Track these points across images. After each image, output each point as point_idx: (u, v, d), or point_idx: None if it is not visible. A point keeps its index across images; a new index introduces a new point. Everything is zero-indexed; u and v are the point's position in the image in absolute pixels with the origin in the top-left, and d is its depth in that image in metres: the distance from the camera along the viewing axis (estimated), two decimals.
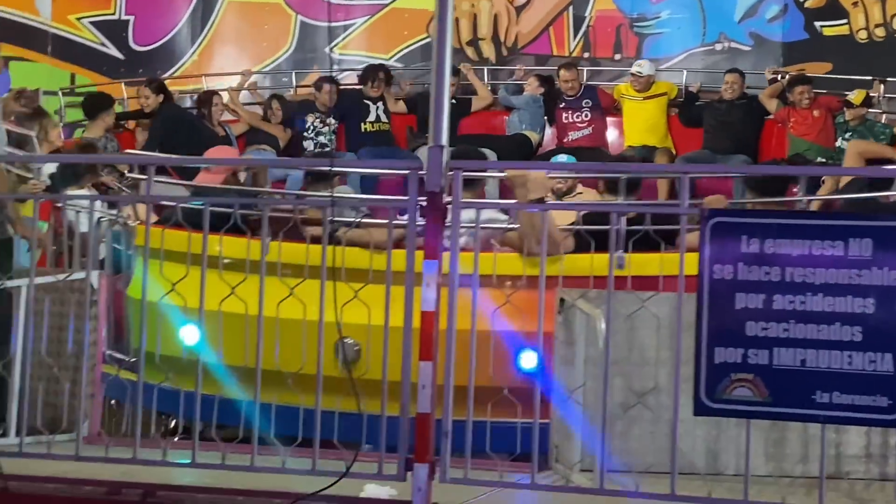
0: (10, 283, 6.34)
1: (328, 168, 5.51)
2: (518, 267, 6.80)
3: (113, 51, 14.84)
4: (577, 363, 6.48)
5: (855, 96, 11.88)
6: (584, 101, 13.10)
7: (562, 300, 6.63)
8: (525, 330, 6.09)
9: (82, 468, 5.58)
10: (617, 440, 5.49)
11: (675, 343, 6.51)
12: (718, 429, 6.75)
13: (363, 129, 12.97)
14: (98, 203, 8.44)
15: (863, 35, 13.73)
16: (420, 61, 14.37)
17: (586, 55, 14.52)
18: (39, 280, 6.24)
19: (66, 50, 14.71)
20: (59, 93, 13.43)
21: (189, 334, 7.10)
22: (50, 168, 8.94)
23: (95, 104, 12.01)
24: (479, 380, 5.39)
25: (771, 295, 4.81)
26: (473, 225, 5.63)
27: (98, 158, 10.07)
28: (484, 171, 9.26)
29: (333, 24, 14.74)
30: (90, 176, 9.15)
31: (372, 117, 13.01)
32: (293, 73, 14.42)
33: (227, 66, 14.60)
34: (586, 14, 14.54)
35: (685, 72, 13.53)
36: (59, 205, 8.20)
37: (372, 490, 5.41)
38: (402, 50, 14.79)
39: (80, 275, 6.69)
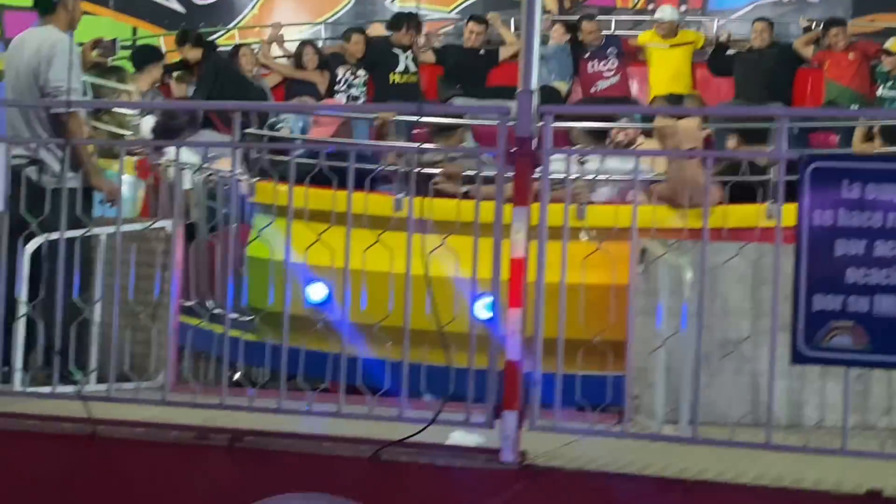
0: (90, 231, 6.34)
1: (417, 115, 5.42)
2: (608, 218, 6.71)
3: (174, 4, 14.82)
4: (660, 314, 6.40)
5: (892, 43, 11.66)
6: (609, 48, 12.94)
7: (643, 251, 6.55)
8: (614, 283, 6.02)
9: (168, 414, 5.60)
10: (700, 393, 5.40)
11: (757, 294, 6.51)
12: (802, 381, 6.68)
13: (391, 81, 12.62)
14: (192, 157, 8.27)
15: None
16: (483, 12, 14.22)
17: (651, 6, 14.34)
18: (123, 229, 6.22)
19: (128, 3, 14.70)
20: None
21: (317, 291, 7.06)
22: (148, 125, 8.92)
23: (144, 57, 11.90)
24: (568, 332, 5.33)
25: (872, 241, 4.71)
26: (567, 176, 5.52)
27: (177, 105, 9.96)
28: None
29: None
30: (190, 131, 9.01)
31: (401, 67, 12.67)
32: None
33: (287, 19, 14.52)
34: None
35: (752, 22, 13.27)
36: (158, 162, 8.17)
37: (459, 437, 5.39)
38: (461, 4, 14.67)
39: (161, 224, 6.68)
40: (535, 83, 5.15)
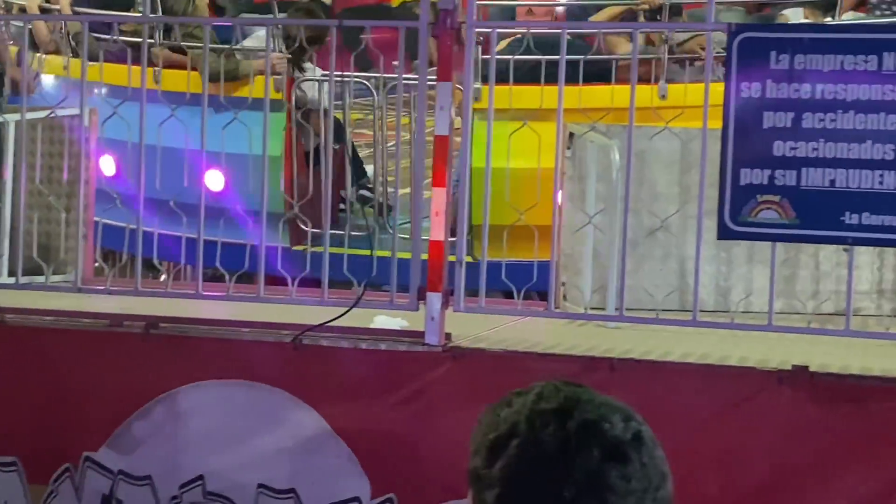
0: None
1: None
2: (535, 100, 6.57)
3: None
4: (588, 199, 6.30)
5: None
6: None
7: (571, 134, 6.42)
8: (541, 166, 5.90)
9: (82, 303, 5.43)
10: (628, 278, 5.33)
11: (685, 179, 6.42)
12: (728, 265, 6.64)
13: None
14: None
15: None
16: None
17: None
18: (30, 115, 5.99)
19: None
20: None
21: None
22: None
23: None
24: (493, 217, 5.21)
25: (800, 113, 4.62)
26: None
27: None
28: None
29: None
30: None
31: None
32: None
33: None
34: None
35: None
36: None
37: (382, 321, 5.28)
38: None
39: (73, 111, 6.43)
40: None
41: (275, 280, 5.51)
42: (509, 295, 5.65)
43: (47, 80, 8.87)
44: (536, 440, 1.53)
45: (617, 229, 5.49)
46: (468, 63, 5.04)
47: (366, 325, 5.19)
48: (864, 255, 6.40)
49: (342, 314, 5.01)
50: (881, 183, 4.56)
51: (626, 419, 1.57)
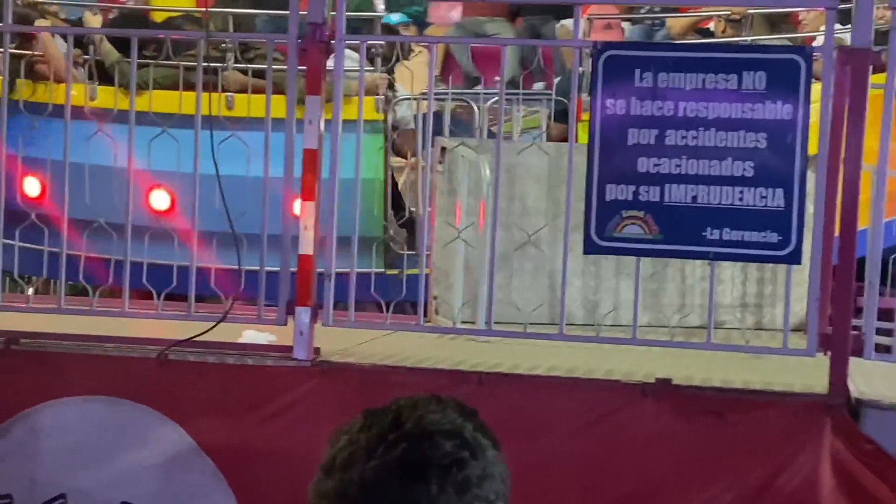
0: None
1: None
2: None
3: None
4: (460, 213, 6.33)
5: None
6: None
7: (442, 148, 6.45)
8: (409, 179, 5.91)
9: None
10: (498, 292, 5.37)
11: (555, 193, 6.48)
12: (597, 279, 6.72)
13: None
14: None
15: None
16: None
17: None
18: None
19: None
20: None
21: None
22: None
23: None
24: (361, 229, 5.20)
25: (663, 130, 4.69)
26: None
27: None
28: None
29: None
30: None
31: None
32: None
33: None
34: None
35: None
36: None
37: (250, 336, 5.23)
38: None
39: None
40: None
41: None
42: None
43: None
44: (362, 467, 1.53)
45: (487, 243, 5.51)
46: (338, 76, 5.02)
47: (234, 339, 5.13)
48: (728, 269, 6.53)
49: (209, 329, 4.95)
50: (741, 199, 4.66)
51: (458, 444, 1.56)
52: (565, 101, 6.75)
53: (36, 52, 7.47)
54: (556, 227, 6.10)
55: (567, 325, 5.18)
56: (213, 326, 4.97)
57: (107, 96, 7.23)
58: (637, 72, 4.71)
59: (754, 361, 5.34)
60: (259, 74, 6.75)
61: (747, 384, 4.84)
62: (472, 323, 5.93)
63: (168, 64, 6.55)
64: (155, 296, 5.25)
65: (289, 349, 4.94)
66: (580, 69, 5.50)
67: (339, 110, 5.08)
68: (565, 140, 5.53)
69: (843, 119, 4.74)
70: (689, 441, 4.67)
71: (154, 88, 6.34)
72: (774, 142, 4.63)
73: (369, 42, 6.89)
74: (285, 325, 5.01)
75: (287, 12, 5.12)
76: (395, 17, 8.85)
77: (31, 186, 7.19)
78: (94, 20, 8.27)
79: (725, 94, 4.64)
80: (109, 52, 7.56)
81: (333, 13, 5.01)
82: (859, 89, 4.67)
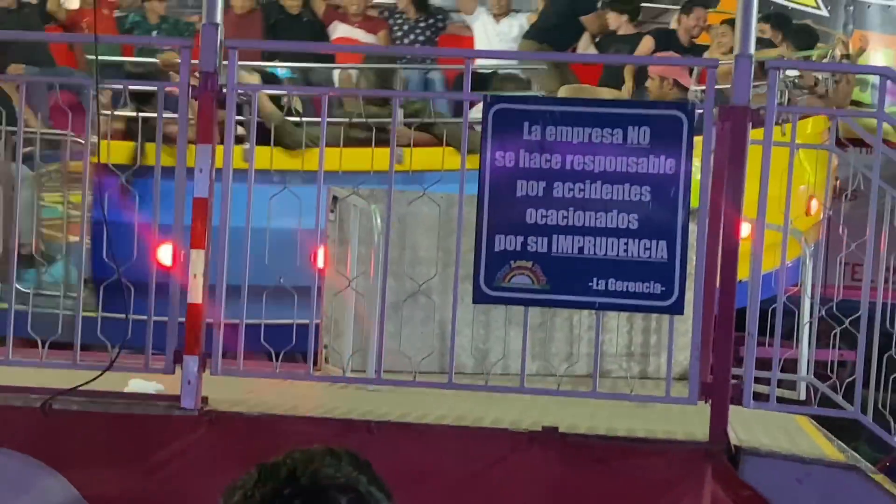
0: None
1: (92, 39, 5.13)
2: (296, 162, 6.60)
3: None
4: (351, 262, 6.35)
5: None
6: None
7: (334, 197, 6.48)
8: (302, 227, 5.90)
9: None
10: (389, 341, 5.39)
11: (446, 243, 6.54)
12: (487, 329, 6.79)
13: None
14: None
15: None
16: None
17: None
18: None
19: None
20: None
21: None
22: None
23: None
24: (252, 277, 5.18)
25: (551, 182, 4.78)
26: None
27: None
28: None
29: None
30: None
31: None
32: None
33: None
34: None
35: None
36: None
37: (137, 385, 5.17)
38: None
39: None
40: (218, 16, 4.96)
41: None
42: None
43: None
44: None
45: (378, 293, 5.54)
46: (230, 125, 5.04)
47: (120, 388, 5.08)
48: (614, 319, 6.64)
49: (94, 378, 4.89)
50: (626, 251, 4.77)
51: (352, 498, 1.59)
52: None
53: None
54: (447, 276, 6.14)
55: (456, 373, 5.23)
56: (99, 375, 4.91)
57: None
58: (526, 125, 4.80)
59: (639, 409, 5.44)
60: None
61: (631, 432, 4.93)
62: (363, 371, 5.94)
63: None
64: (39, 344, 5.17)
65: (176, 398, 4.90)
66: None
67: (230, 158, 5.08)
68: None
69: (724, 173, 4.88)
70: (575, 488, 4.73)
71: None
72: (658, 195, 4.74)
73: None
74: (173, 373, 4.97)
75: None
76: (281, 72, 8.89)
77: None
78: (251, 78, 7.83)
79: (611, 148, 4.75)
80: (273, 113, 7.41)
81: (225, 62, 5.03)
82: (738, 145, 4.82)
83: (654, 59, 8.00)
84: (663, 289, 4.76)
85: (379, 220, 6.01)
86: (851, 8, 12.86)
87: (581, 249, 4.79)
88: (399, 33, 9.81)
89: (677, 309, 4.81)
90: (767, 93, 4.90)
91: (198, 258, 4.92)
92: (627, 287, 4.78)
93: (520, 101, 4.94)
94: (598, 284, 4.78)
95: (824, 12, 12.99)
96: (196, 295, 4.91)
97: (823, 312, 5.67)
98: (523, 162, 4.80)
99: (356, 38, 9.48)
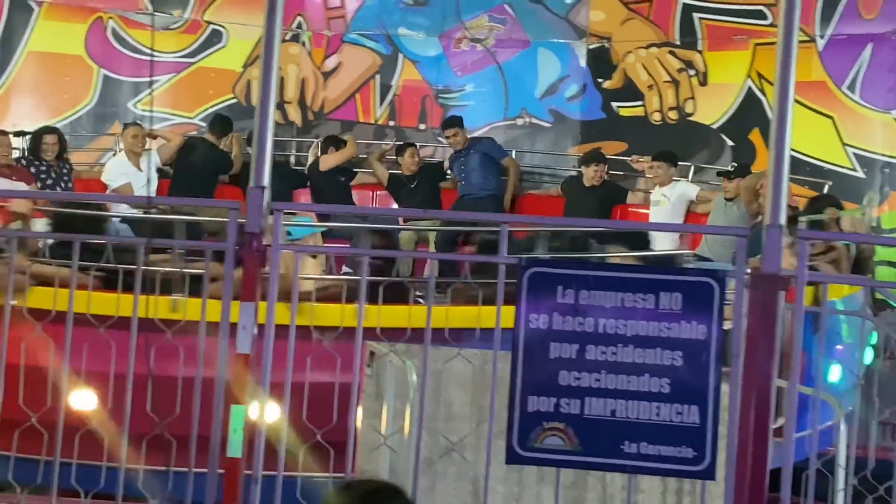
0: None
1: (146, 203, 5.35)
2: (336, 317, 6.72)
3: None
4: (386, 417, 6.44)
5: None
6: None
7: (371, 353, 6.60)
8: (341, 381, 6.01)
9: None
10: (423, 496, 5.45)
11: (480, 400, 6.62)
12: (520, 486, 6.82)
13: None
14: None
15: (657, 117, 14.27)
16: None
17: (392, 123, 14.67)
18: None
19: None
20: None
21: None
22: None
23: None
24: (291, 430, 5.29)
25: (584, 345, 4.89)
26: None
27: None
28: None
29: (137, 79, 14.46)
30: None
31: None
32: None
33: (24, 116, 14.13)
34: (392, 83, 14.72)
35: None
36: None
37: None
38: (207, 109, 14.63)
39: None
40: (266, 180, 5.15)
41: None
42: None
43: None
44: None
45: (412, 448, 5.61)
46: (273, 283, 5.18)
47: None
48: (648, 479, 6.66)
49: None
50: (657, 414, 4.84)
51: None
52: None
53: None
54: (481, 432, 6.23)
55: None
56: None
57: None
58: (560, 288, 4.94)
59: None
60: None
61: None
62: None
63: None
64: (83, 495, 5.27)
65: None
66: None
67: (273, 316, 5.22)
68: None
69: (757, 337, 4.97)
70: None
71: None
72: (690, 359, 4.84)
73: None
74: None
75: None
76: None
77: None
78: None
79: (643, 313, 4.87)
80: None
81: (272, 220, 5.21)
82: (769, 311, 4.92)
83: (686, 227, 8.13)
84: (695, 453, 4.82)
85: (414, 377, 6.12)
86: (888, 170, 13.09)
87: (613, 412, 4.87)
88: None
89: (709, 475, 4.86)
90: (798, 262, 5.01)
91: (238, 413, 5.03)
92: (659, 451, 4.84)
93: (554, 265, 5.07)
94: (629, 447, 4.85)
95: (860, 174, 13.23)
96: (235, 450, 5.01)
97: (857, 481, 5.68)
98: (557, 324, 4.92)
99: None
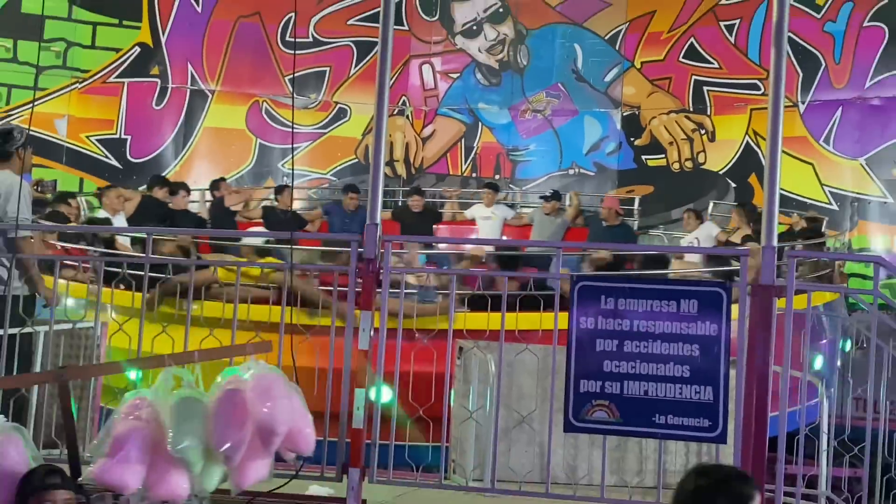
0: (31, 329, 6.05)
1: (288, 235, 5.37)
2: (433, 322, 6.73)
3: (113, 161, 14.53)
4: (471, 397, 6.40)
5: None
6: None
7: (460, 348, 6.56)
8: (437, 370, 5.99)
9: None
10: (500, 458, 5.39)
11: (543, 383, 6.54)
12: (575, 449, 6.71)
13: None
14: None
15: (676, 166, 14.10)
16: (350, 175, 14.39)
17: (474, 175, 14.68)
18: (57, 327, 5.98)
19: (76, 160, 14.37)
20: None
21: None
22: None
23: None
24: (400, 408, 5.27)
25: (622, 341, 4.81)
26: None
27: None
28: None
29: (284, 146, 14.65)
30: None
31: None
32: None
33: (202, 175, 14.39)
34: (474, 144, 14.74)
35: None
36: None
37: (315, 489, 5.24)
38: (336, 167, 14.77)
39: (87, 323, 6.40)
40: (378, 219, 5.15)
41: None
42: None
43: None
44: None
45: (492, 421, 5.57)
46: (384, 298, 5.17)
47: (302, 492, 5.15)
48: (674, 443, 6.52)
49: (285, 483, 4.96)
50: (680, 394, 4.74)
51: None
52: None
53: None
54: (544, 408, 6.15)
55: (552, 484, 5.19)
56: (288, 481, 4.98)
57: None
58: (603, 297, 4.87)
59: None
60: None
61: None
62: (481, 481, 5.93)
63: None
64: None
65: (343, 500, 4.95)
66: None
67: (384, 321, 5.21)
68: None
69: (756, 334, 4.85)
70: None
71: None
72: (704, 351, 4.73)
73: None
74: (341, 481, 5.04)
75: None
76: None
77: None
78: None
79: (668, 315, 4.78)
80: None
81: (383, 251, 5.20)
82: (766, 314, 4.80)
83: (689, 249, 7.99)
84: (710, 423, 4.71)
85: (493, 366, 6.07)
86: (856, 203, 12.80)
87: (646, 392, 4.78)
88: None
89: (721, 439, 4.75)
90: (787, 275, 4.89)
91: (359, 395, 5.02)
92: (683, 422, 4.74)
93: (598, 280, 5.00)
94: (659, 419, 4.76)
95: (834, 206, 12.95)
96: (358, 422, 5.00)
97: (836, 444, 5.52)
98: (601, 325, 4.85)
99: None
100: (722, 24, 14.00)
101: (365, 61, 14.55)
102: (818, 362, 8.15)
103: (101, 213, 10.45)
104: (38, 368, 6.11)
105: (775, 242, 4.83)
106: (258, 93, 14.64)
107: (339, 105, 14.75)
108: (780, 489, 4.83)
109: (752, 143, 13.68)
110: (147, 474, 4.02)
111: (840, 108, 13.18)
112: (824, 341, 8.37)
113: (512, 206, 13.22)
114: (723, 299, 4.74)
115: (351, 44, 14.67)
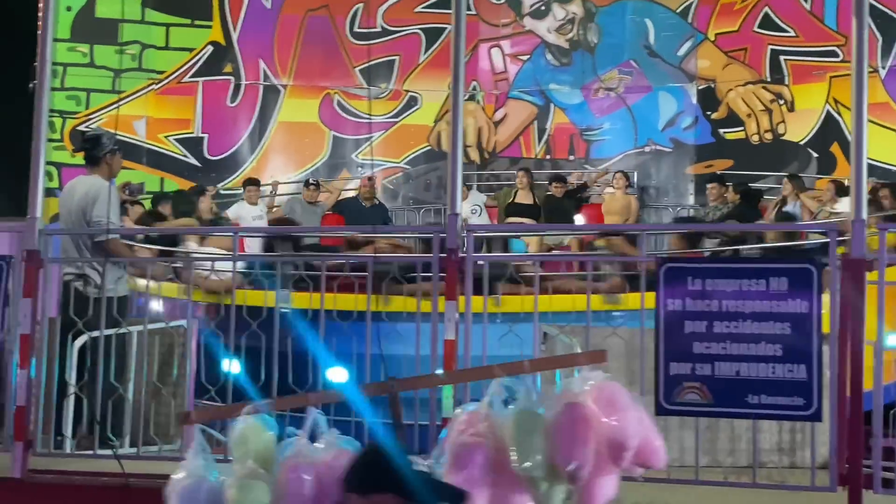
0: (125, 329, 6.24)
1: (369, 234, 5.45)
2: (517, 306, 6.74)
3: (192, 160, 14.83)
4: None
5: None
6: None
7: (545, 333, 6.57)
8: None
9: None
10: None
11: (631, 366, 6.52)
12: (666, 431, 6.63)
13: None
14: None
15: (755, 138, 13.86)
16: (423, 163, 14.46)
17: (548, 157, 14.63)
18: (151, 326, 6.16)
19: (157, 160, 14.70)
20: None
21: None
22: None
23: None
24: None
25: (712, 322, 4.78)
26: None
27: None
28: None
29: (357, 137, 14.78)
30: None
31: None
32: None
33: (278, 169, 14.61)
34: (547, 126, 14.67)
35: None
36: None
37: None
38: (408, 155, 14.85)
39: (180, 322, 6.56)
40: (459, 208, 5.20)
41: None
42: None
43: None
44: None
45: None
46: (468, 284, 5.21)
47: None
48: (767, 422, 6.44)
49: None
50: (773, 373, 4.70)
51: None
52: None
53: None
54: (632, 391, 6.11)
55: None
56: None
57: None
58: (689, 278, 4.84)
59: (789, 496, 5.25)
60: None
61: None
62: None
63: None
64: None
65: None
66: None
67: (470, 309, 5.25)
68: None
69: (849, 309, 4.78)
70: None
71: None
72: (796, 329, 4.68)
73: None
74: None
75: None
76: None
77: None
78: None
79: (757, 294, 4.73)
80: None
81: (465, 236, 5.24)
82: (858, 287, 4.73)
83: (778, 226, 7.85)
84: (804, 401, 4.66)
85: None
86: None
87: (738, 372, 4.74)
88: None
89: (816, 417, 4.70)
90: (879, 248, 4.80)
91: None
92: (776, 401, 4.70)
93: (684, 261, 4.97)
94: (752, 399, 4.72)
95: None
96: (447, 408, 5.05)
97: None
98: (689, 306, 4.82)
99: None
100: None
101: (433, 48, 14.58)
102: None
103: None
104: (133, 369, 6.30)
105: (864, 216, 4.75)
106: (329, 85, 14.78)
107: (409, 93, 14.81)
108: (878, 464, 4.76)
109: (833, 112, 13.37)
110: (490, 496, 3.48)
111: None
112: None
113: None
114: (813, 276, 4.68)
115: (419, 31, 14.71)
